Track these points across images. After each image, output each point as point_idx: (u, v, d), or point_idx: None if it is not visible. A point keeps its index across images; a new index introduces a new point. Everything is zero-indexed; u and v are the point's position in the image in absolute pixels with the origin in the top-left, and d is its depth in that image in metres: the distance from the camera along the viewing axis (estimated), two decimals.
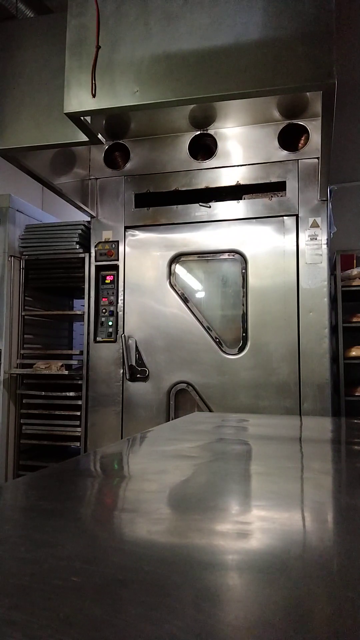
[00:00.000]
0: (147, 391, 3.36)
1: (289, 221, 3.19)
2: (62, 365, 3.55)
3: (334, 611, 0.47)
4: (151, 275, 3.43)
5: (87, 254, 3.58)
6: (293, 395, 3.07)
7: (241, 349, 3.21)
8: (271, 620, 0.44)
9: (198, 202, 3.38)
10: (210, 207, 3.35)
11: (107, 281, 3.52)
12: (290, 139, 3.24)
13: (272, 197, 3.24)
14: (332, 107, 2.12)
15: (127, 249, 3.50)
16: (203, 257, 3.40)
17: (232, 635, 0.42)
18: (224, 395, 3.20)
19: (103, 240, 3.55)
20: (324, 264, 3.10)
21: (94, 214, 3.57)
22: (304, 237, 3.14)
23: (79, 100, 2.25)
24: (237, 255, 3.29)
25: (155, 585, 0.51)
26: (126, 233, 3.52)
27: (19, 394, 3.72)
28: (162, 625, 0.42)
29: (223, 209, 3.33)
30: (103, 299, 3.52)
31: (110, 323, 3.47)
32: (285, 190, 3.22)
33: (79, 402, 3.52)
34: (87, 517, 0.80)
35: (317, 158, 3.11)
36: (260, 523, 0.74)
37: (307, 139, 3.20)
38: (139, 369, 3.37)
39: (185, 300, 3.36)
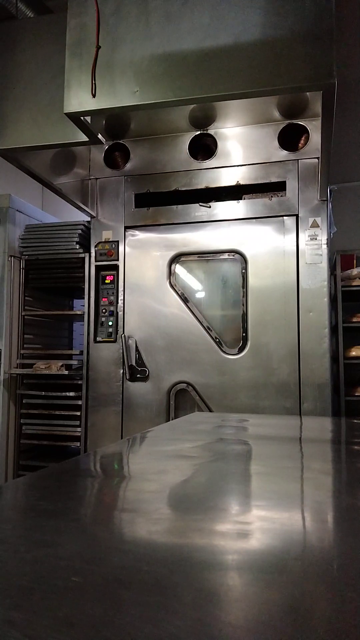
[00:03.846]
0: (147, 391, 3.36)
1: (289, 221, 3.19)
2: (62, 365, 3.54)
3: (334, 611, 0.47)
4: (151, 275, 3.43)
5: (87, 254, 3.58)
6: (293, 395, 3.07)
7: (241, 349, 3.21)
8: (271, 620, 0.44)
9: (198, 202, 3.38)
10: (210, 207, 3.35)
11: (107, 281, 3.52)
12: (290, 139, 3.24)
13: (272, 197, 3.24)
14: (332, 107, 2.12)
15: (127, 249, 3.50)
16: (203, 257, 3.40)
17: (232, 635, 0.42)
18: (224, 395, 3.20)
19: (103, 240, 3.55)
20: (324, 264, 3.10)
21: (94, 214, 3.57)
22: (304, 237, 3.14)
23: (79, 100, 2.25)
24: (237, 255, 3.29)
25: (155, 585, 0.51)
26: (126, 233, 3.52)
27: (19, 394, 3.72)
28: (162, 625, 0.42)
29: (223, 209, 3.33)
30: (103, 299, 3.52)
31: (110, 323, 3.47)
32: (285, 190, 3.22)
33: (79, 402, 3.52)
34: (87, 517, 0.80)
35: (317, 158, 3.11)
36: (260, 523, 0.74)
37: (307, 139, 3.20)
38: (139, 369, 3.37)
39: (185, 300, 3.36)
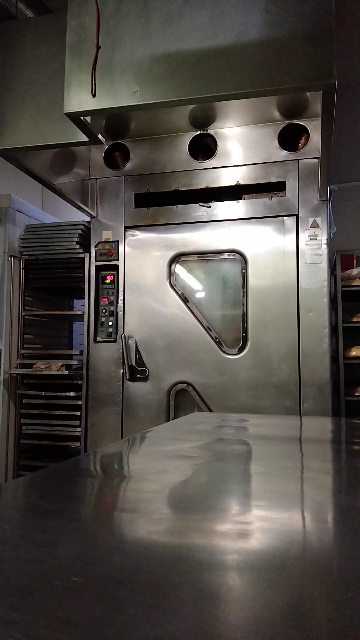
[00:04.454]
0: (147, 391, 3.36)
1: (289, 221, 3.19)
2: (62, 365, 3.54)
3: (334, 611, 0.47)
4: (151, 275, 3.43)
5: (87, 254, 3.58)
6: (293, 395, 3.07)
7: (241, 349, 3.21)
8: (271, 620, 0.44)
9: (198, 202, 3.38)
10: (210, 207, 3.35)
11: (107, 281, 3.52)
12: (290, 139, 3.24)
13: (272, 197, 3.24)
14: (332, 107, 2.12)
15: (127, 249, 3.50)
16: (203, 257, 3.40)
17: (232, 635, 0.42)
18: (224, 395, 3.20)
19: (103, 240, 3.55)
20: (324, 264, 3.10)
21: (94, 214, 3.57)
22: (304, 237, 3.14)
23: (79, 100, 2.25)
24: (237, 255, 3.29)
25: (155, 585, 0.51)
26: (126, 233, 3.52)
27: (19, 394, 3.72)
28: (162, 625, 0.42)
29: (223, 209, 3.33)
30: (103, 299, 3.52)
31: (110, 323, 3.47)
32: (285, 190, 3.22)
33: (79, 402, 3.52)
34: (87, 517, 0.80)
35: (317, 158, 3.11)
36: (260, 523, 0.74)
37: (307, 139, 3.20)
38: (139, 369, 3.37)
39: (185, 300, 3.36)
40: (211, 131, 3.38)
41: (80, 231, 3.61)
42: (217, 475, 1.08)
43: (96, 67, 2.22)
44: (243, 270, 3.26)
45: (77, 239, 3.59)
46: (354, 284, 3.88)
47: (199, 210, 3.38)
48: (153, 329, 3.38)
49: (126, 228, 3.52)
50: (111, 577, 0.52)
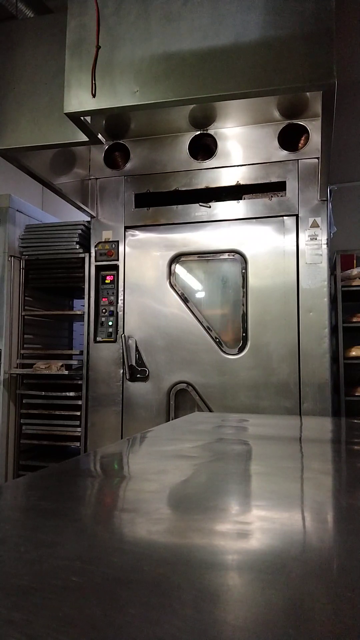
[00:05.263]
0: (147, 391, 3.36)
1: (289, 221, 3.19)
2: (62, 365, 3.54)
3: (334, 611, 0.47)
4: (151, 275, 3.43)
5: (87, 254, 3.58)
6: (293, 395, 3.07)
7: (241, 349, 3.21)
8: (271, 620, 0.44)
9: (198, 202, 3.38)
10: (210, 207, 3.35)
11: (107, 281, 3.52)
12: (290, 139, 3.24)
13: (272, 197, 3.24)
14: (332, 107, 2.12)
15: (127, 249, 3.50)
16: (203, 257, 3.40)
17: (232, 636, 0.42)
18: (224, 395, 3.20)
19: (103, 240, 3.55)
20: (324, 264, 3.10)
21: (94, 214, 3.57)
22: (304, 237, 3.14)
23: (79, 100, 2.25)
24: (237, 255, 3.29)
25: (155, 585, 0.51)
26: (126, 233, 3.52)
27: (19, 394, 3.72)
28: (162, 625, 0.42)
29: (223, 209, 3.33)
30: (103, 299, 3.52)
31: (110, 323, 3.47)
32: (285, 190, 3.22)
33: (79, 402, 3.52)
34: (87, 517, 0.80)
35: (317, 158, 3.11)
36: (260, 523, 0.74)
37: (307, 139, 3.20)
38: (139, 369, 3.37)
39: (185, 300, 3.36)
40: (211, 131, 3.38)
41: (80, 231, 3.61)
42: (217, 475, 1.08)
43: (96, 67, 2.22)
44: (243, 270, 3.26)
45: (77, 239, 3.60)
46: (354, 284, 3.88)
47: (199, 210, 3.38)
48: (153, 329, 3.38)
49: (126, 228, 3.52)
50: (111, 577, 0.52)
